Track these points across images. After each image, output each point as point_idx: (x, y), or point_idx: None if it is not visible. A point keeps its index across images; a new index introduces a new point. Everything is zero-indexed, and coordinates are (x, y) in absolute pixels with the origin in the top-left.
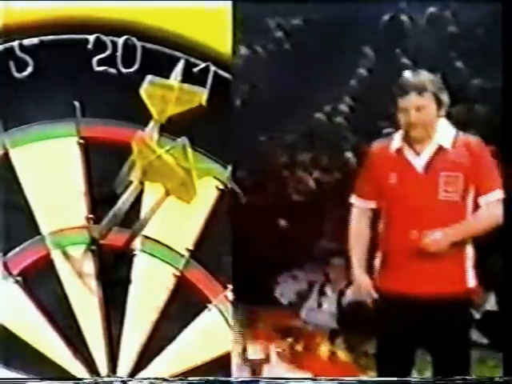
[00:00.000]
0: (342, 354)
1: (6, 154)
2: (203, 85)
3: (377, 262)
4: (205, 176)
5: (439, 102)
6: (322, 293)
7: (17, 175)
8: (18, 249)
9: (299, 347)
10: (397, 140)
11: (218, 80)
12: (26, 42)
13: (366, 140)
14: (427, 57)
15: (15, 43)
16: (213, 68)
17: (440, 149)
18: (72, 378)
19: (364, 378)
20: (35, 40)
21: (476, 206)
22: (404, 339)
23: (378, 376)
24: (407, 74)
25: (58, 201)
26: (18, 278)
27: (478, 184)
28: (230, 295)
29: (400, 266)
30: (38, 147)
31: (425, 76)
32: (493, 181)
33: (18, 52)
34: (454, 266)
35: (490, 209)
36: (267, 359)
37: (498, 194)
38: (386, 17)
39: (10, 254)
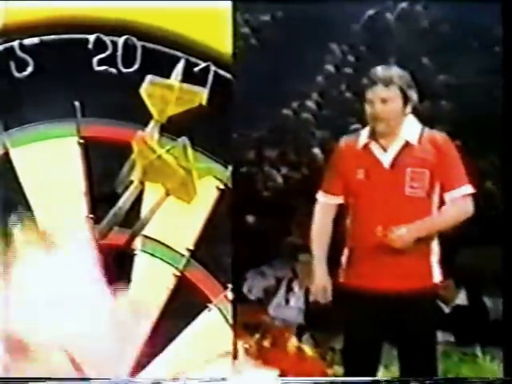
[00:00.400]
0: (309, 350)
1: (7, 154)
2: (203, 84)
3: (344, 257)
4: (205, 176)
5: (406, 98)
6: (289, 289)
7: (17, 175)
8: None
9: (266, 343)
10: (364, 136)
11: (219, 80)
12: (27, 41)
13: (333, 136)
14: (394, 53)
15: (15, 43)
16: (213, 68)
17: (406, 145)
18: (72, 378)
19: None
20: (35, 40)
21: (442, 202)
22: (371, 335)
23: (346, 373)
24: (378, 67)
25: (58, 200)
26: None
27: (443, 180)
28: (230, 295)
29: (366, 261)
30: (38, 147)
31: (394, 70)
32: (458, 177)
33: (18, 52)
34: (419, 261)
35: (455, 205)
36: (235, 355)
37: (464, 190)
38: (353, 13)
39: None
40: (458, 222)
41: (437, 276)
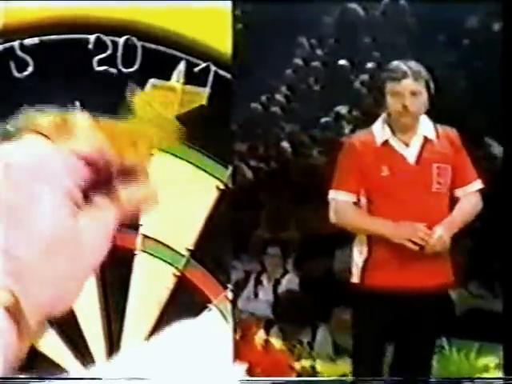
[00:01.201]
0: (277, 343)
1: None
2: (204, 85)
3: (360, 257)
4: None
5: (429, 92)
6: (258, 282)
7: None
8: None
9: (235, 336)
10: (379, 131)
11: (219, 80)
12: (27, 41)
13: (302, 129)
14: (363, 47)
15: (15, 43)
16: (213, 68)
17: (426, 140)
18: (72, 377)
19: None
20: (36, 40)
21: (451, 198)
22: (387, 335)
23: (354, 373)
24: (399, 62)
25: None
26: None
27: (457, 175)
28: (230, 295)
29: (391, 260)
30: None
31: (418, 65)
32: (470, 171)
33: (18, 52)
34: (440, 257)
35: (469, 200)
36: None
37: (477, 185)
38: (322, 7)
39: None
40: (472, 218)
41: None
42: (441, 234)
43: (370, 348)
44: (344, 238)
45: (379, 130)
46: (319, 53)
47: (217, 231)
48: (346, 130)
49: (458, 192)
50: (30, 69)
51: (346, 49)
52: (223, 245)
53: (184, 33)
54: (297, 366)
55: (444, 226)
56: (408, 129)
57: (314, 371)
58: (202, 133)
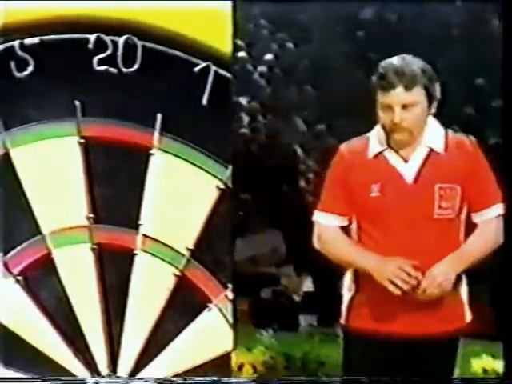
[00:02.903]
0: None
1: (7, 154)
2: (203, 84)
3: (347, 293)
4: None
5: (430, 98)
6: None
7: (17, 175)
8: (18, 248)
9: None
10: (374, 141)
11: (219, 79)
12: (27, 41)
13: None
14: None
15: (16, 42)
16: (213, 68)
17: (431, 153)
18: (72, 377)
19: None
20: (36, 39)
21: (468, 225)
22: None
23: None
24: (393, 60)
25: (58, 200)
26: (19, 278)
27: (474, 196)
28: (231, 295)
29: (382, 299)
30: (38, 147)
31: (415, 64)
32: (492, 192)
33: (18, 51)
34: (449, 298)
35: (489, 228)
36: None
37: (498, 210)
38: None
39: (10, 254)
40: (492, 250)
41: (468, 314)
42: (437, 276)
43: None
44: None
45: (375, 139)
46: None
47: (217, 231)
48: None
49: (476, 217)
50: (30, 68)
51: (245, 41)
52: (223, 245)
53: (184, 33)
54: None
55: (447, 264)
56: (404, 144)
57: None
58: (202, 133)
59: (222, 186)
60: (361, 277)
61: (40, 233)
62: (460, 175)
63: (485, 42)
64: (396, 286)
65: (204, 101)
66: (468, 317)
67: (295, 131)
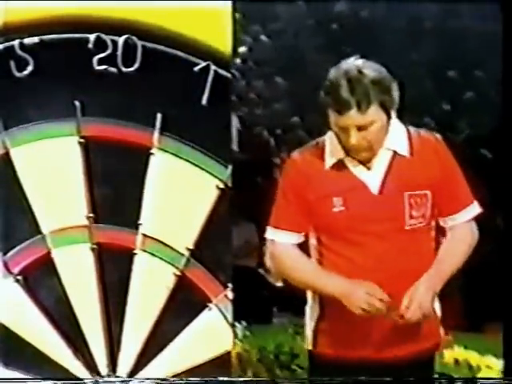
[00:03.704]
0: None
1: (7, 154)
2: (203, 84)
3: (311, 317)
4: None
5: (388, 111)
6: None
7: (17, 174)
8: (18, 248)
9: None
10: (331, 149)
11: (219, 79)
12: (27, 40)
13: None
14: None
15: (15, 42)
16: (213, 67)
17: (395, 157)
18: (72, 377)
19: None
20: (36, 39)
21: (438, 231)
22: None
23: None
24: (341, 73)
25: (58, 200)
26: (19, 277)
27: (445, 199)
28: (231, 294)
29: (349, 323)
30: (38, 146)
31: (367, 77)
32: (464, 193)
33: (18, 51)
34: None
35: (463, 232)
36: None
37: (472, 210)
38: None
39: (10, 253)
40: (467, 254)
41: (442, 330)
42: (415, 300)
43: None
44: None
45: (330, 146)
46: None
47: (217, 231)
48: None
49: (448, 221)
50: (30, 68)
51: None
52: (223, 245)
53: (184, 32)
54: None
55: (424, 285)
56: (366, 150)
57: None
58: (202, 133)
59: (222, 186)
60: (325, 299)
61: (40, 232)
62: (429, 179)
63: (456, 36)
64: (368, 313)
65: (204, 100)
66: (442, 331)
67: (270, 124)
